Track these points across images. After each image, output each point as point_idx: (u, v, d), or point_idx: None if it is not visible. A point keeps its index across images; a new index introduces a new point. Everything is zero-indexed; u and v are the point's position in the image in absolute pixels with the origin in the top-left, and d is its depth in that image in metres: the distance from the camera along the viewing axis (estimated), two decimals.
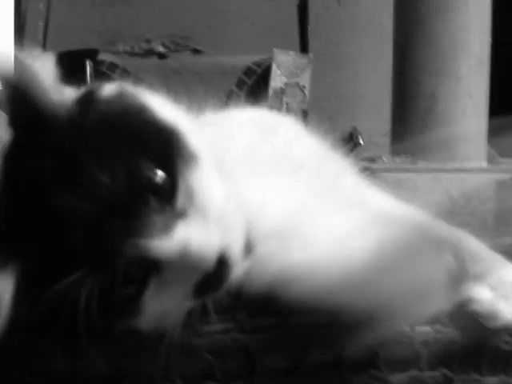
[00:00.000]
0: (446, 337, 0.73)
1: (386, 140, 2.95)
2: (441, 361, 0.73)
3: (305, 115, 2.73)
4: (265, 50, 2.69)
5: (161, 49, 2.69)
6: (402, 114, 2.64)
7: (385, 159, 2.58)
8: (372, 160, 2.65)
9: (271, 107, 2.51)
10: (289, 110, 2.46)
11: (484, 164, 2.61)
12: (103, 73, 2.56)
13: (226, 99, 2.62)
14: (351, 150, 3.31)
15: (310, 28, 3.04)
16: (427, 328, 0.73)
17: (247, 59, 2.62)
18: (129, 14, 3.35)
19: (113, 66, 2.59)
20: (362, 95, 3.52)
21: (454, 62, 2.54)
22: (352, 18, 3.42)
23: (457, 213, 2.50)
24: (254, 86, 2.59)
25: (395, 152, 2.65)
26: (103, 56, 2.63)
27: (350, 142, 3.35)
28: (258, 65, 2.59)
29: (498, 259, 0.74)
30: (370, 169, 2.45)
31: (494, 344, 0.74)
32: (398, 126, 2.67)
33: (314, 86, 3.27)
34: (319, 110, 3.35)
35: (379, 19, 3.29)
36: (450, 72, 2.55)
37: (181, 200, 0.67)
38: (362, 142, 3.32)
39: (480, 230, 2.68)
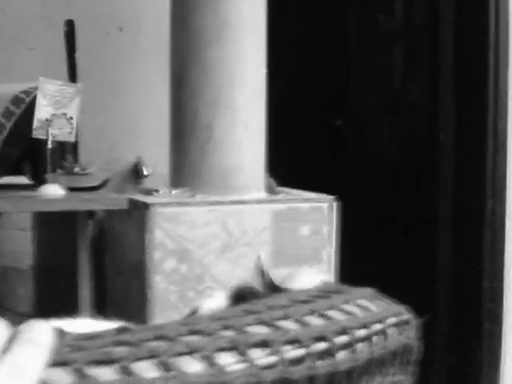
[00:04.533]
0: None
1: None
2: None
3: (73, 148, 2.62)
4: (37, 78, 2.56)
5: None
6: (179, 144, 2.59)
7: (161, 192, 2.51)
8: (150, 192, 2.58)
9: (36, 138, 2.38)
10: (55, 143, 2.33)
11: (262, 195, 2.60)
12: None
13: None
14: (137, 182, 3.23)
15: (88, 57, 2.94)
16: None
17: (15, 87, 2.47)
18: None
19: None
20: (146, 124, 3.45)
21: (230, 92, 2.52)
22: (132, 44, 3.35)
23: (234, 245, 2.48)
24: (22, 117, 2.44)
25: (174, 183, 2.59)
26: None
27: (135, 172, 3.27)
28: (27, 94, 2.45)
29: None
30: (143, 204, 2.37)
31: None
32: (176, 157, 2.62)
33: (95, 115, 3.16)
34: (102, 140, 3.24)
35: (159, 46, 3.23)
36: (227, 102, 2.52)
37: None
38: (146, 172, 3.24)
39: (255, 261, 2.64)
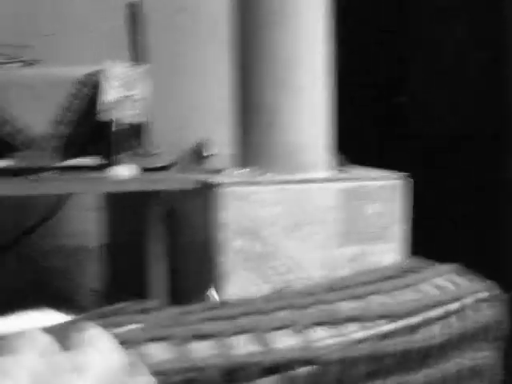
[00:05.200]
0: None
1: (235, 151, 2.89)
2: None
3: (141, 129, 2.63)
4: (101, 61, 2.57)
5: None
6: (245, 124, 2.59)
7: (231, 171, 2.52)
8: (218, 172, 2.59)
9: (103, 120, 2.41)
10: (123, 124, 2.35)
11: (330, 173, 2.59)
12: None
13: (58, 113, 2.49)
14: (201, 162, 3.24)
15: (152, 38, 2.95)
16: None
17: (79, 70, 2.49)
18: None
19: None
20: (210, 105, 3.45)
21: (294, 72, 2.51)
22: (195, 26, 3.35)
23: (303, 223, 2.47)
24: (86, 99, 2.46)
25: (241, 163, 2.59)
26: None
27: (199, 153, 3.28)
28: (93, 76, 2.47)
29: None
30: (213, 183, 2.38)
31: None
32: (242, 137, 2.62)
33: (161, 96, 3.17)
34: (168, 121, 3.26)
35: (222, 28, 3.23)
36: (292, 82, 2.51)
37: None
38: (211, 153, 3.25)
39: (328, 239, 2.66)
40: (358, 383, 0.90)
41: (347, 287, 1.03)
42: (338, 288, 1.02)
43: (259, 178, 2.47)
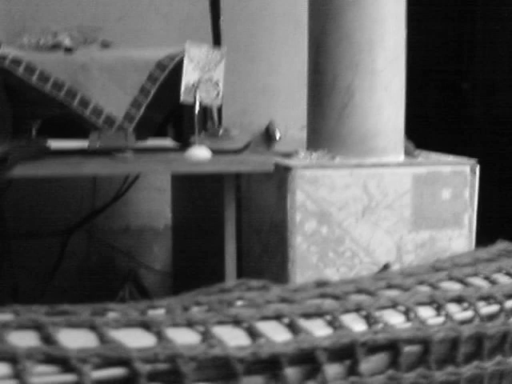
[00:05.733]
0: None
1: (302, 133, 2.91)
2: None
3: (219, 111, 2.66)
4: (177, 43, 2.61)
5: (68, 42, 2.57)
6: (318, 108, 2.60)
7: (302, 154, 2.53)
8: (288, 155, 2.60)
9: (183, 102, 2.44)
10: (200, 107, 2.38)
11: (401, 158, 2.59)
12: (5, 69, 2.43)
13: (137, 95, 2.53)
14: (269, 144, 3.27)
15: (223, 20, 2.97)
16: None
17: (159, 53, 2.53)
18: (35, 5, 3.23)
19: (16, 61, 2.46)
20: (277, 88, 3.47)
21: (369, 55, 2.51)
22: (266, 9, 3.37)
23: (374, 208, 2.48)
24: (166, 81, 2.50)
25: (312, 146, 2.61)
26: (6, 50, 2.50)
27: (267, 135, 3.30)
28: (170, 59, 2.50)
29: None
30: (286, 166, 2.40)
31: None
32: (314, 120, 2.63)
33: (228, 79, 3.21)
34: (234, 104, 3.29)
35: (294, 10, 3.24)
36: (366, 65, 2.51)
37: None
38: (279, 136, 3.28)
39: (397, 224, 2.67)
40: (461, 363, 0.92)
41: (446, 269, 1.05)
42: (437, 269, 1.04)
43: (331, 162, 2.48)
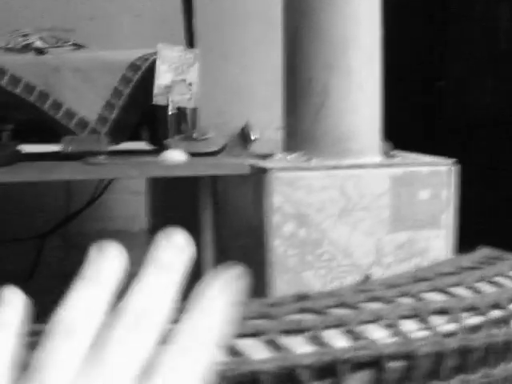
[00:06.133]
0: None
1: (278, 134, 2.88)
2: None
3: (194, 113, 2.63)
4: (150, 44, 2.57)
5: (39, 44, 2.53)
6: (293, 109, 2.57)
7: (278, 156, 2.51)
8: (265, 157, 2.58)
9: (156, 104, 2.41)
10: (173, 109, 2.34)
11: (379, 159, 2.57)
12: None
13: (110, 97, 2.49)
14: (244, 146, 3.23)
15: (195, 19, 2.94)
16: None
17: (131, 54, 2.49)
18: (4, 4, 3.17)
19: None
20: (252, 88, 3.44)
21: (345, 55, 2.49)
22: (240, 8, 3.33)
23: (351, 209, 2.46)
24: (139, 83, 2.46)
25: (288, 148, 2.58)
26: None
27: (242, 137, 3.27)
28: (144, 60, 2.47)
29: None
30: (262, 169, 2.38)
31: None
32: (290, 121, 2.60)
33: (202, 80, 3.17)
34: (209, 105, 3.25)
35: (268, 10, 3.21)
36: (342, 65, 2.49)
37: None
38: (255, 137, 3.25)
39: (375, 225, 2.64)
40: (446, 378, 0.89)
41: (428, 279, 1.02)
42: (419, 279, 1.01)
43: (308, 164, 2.46)
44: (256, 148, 3.19)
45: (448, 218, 2.53)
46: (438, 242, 2.52)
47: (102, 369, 0.47)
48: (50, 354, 0.48)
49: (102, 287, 0.50)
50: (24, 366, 0.52)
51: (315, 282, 2.41)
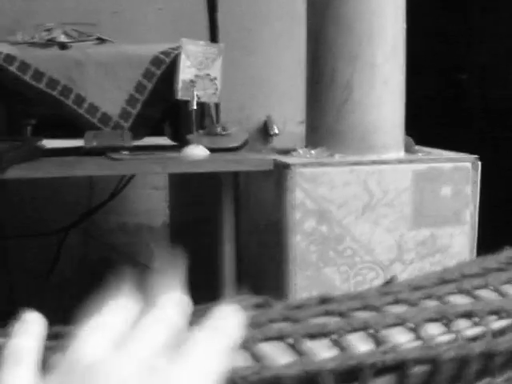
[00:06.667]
0: None
1: (301, 128, 2.87)
2: None
3: (217, 108, 2.62)
4: (172, 38, 2.57)
5: (62, 38, 2.53)
6: (316, 104, 2.56)
7: (300, 152, 2.50)
8: (287, 153, 2.57)
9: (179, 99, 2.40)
10: (196, 104, 2.34)
11: (401, 154, 2.55)
12: None
13: (134, 92, 2.49)
14: (266, 140, 3.23)
15: (219, 14, 2.93)
16: None
17: (154, 48, 2.49)
18: (28, 0, 3.18)
19: (10, 58, 2.42)
20: (275, 82, 3.43)
21: (369, 48, 2.47)
22: (263, 1, 3.32)
23: (374, 205, 2.45)
24: (162, 77, 2.46)
25: (311, 143, 2.57)
26: None
27: (264, 131, 3.27)
28: (167, 54, 2.46)
29: None
30: (284, 164, 2.37)
31: None
32: (312, 116, 2.59)
33: (225, 74, 3.17)
34: (231, 99, 3.25)
35: (292, 3, 3.19)
36: (366, 59, 2.47)
37: None
38: (277, 131, 3.24)
39: (398, 221, 2.63)
40: (469, 382, 0.88)
41: (453, 280, 1.01)
42: (444, 281, 1.00)
43: (331, 159, 2.44)
44: (278, 142, 3.18)
45: (471, 215, 2.51)
46: (460, 238, 2.50)
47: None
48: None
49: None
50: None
51: (336, 278, 2.41)
